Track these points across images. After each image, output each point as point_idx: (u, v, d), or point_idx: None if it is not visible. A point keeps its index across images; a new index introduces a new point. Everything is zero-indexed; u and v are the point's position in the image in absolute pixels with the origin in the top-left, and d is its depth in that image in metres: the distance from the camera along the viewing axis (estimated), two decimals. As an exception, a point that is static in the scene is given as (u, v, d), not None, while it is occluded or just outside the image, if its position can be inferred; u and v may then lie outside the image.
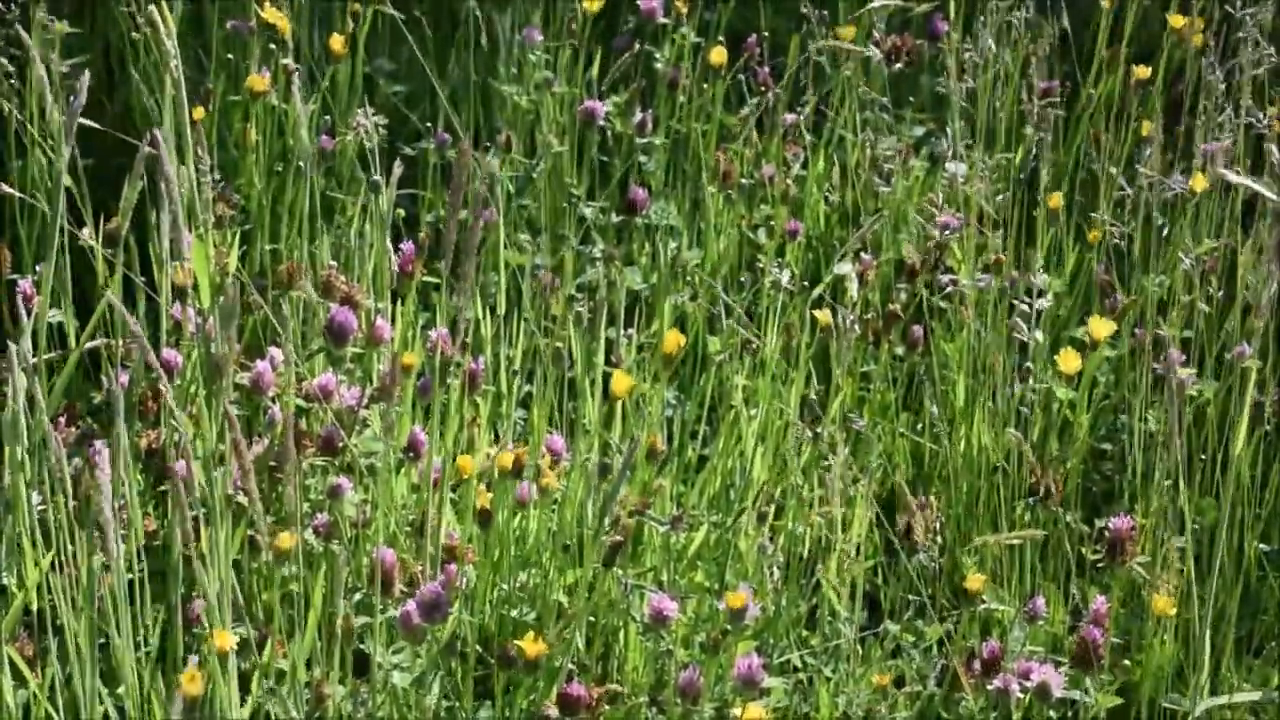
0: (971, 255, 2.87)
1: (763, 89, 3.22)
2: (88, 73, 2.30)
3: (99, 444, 2.36)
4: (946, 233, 2.86)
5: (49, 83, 2.61)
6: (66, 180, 2.36)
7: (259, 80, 2.95)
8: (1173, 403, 2.30)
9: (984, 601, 2.45)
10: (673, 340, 2.54)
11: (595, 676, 2.46)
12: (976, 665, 2.41)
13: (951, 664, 2.40)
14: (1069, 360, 2.61)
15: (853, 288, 2.61)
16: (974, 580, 2.43)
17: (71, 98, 2.30)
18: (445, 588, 2.22)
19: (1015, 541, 2.45)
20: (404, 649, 2.30)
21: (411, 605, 2.18)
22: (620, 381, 2.51)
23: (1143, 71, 3.04)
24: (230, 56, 3.13)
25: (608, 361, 2.69)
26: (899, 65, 3.23)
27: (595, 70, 3.28)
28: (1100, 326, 2.62)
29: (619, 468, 2.26)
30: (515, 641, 2.28)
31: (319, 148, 2.90)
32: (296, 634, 2.23)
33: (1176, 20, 3.06)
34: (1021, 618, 2.49)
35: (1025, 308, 2.70)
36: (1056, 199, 2.87)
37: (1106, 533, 2.45)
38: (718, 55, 3.21)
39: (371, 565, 2.26)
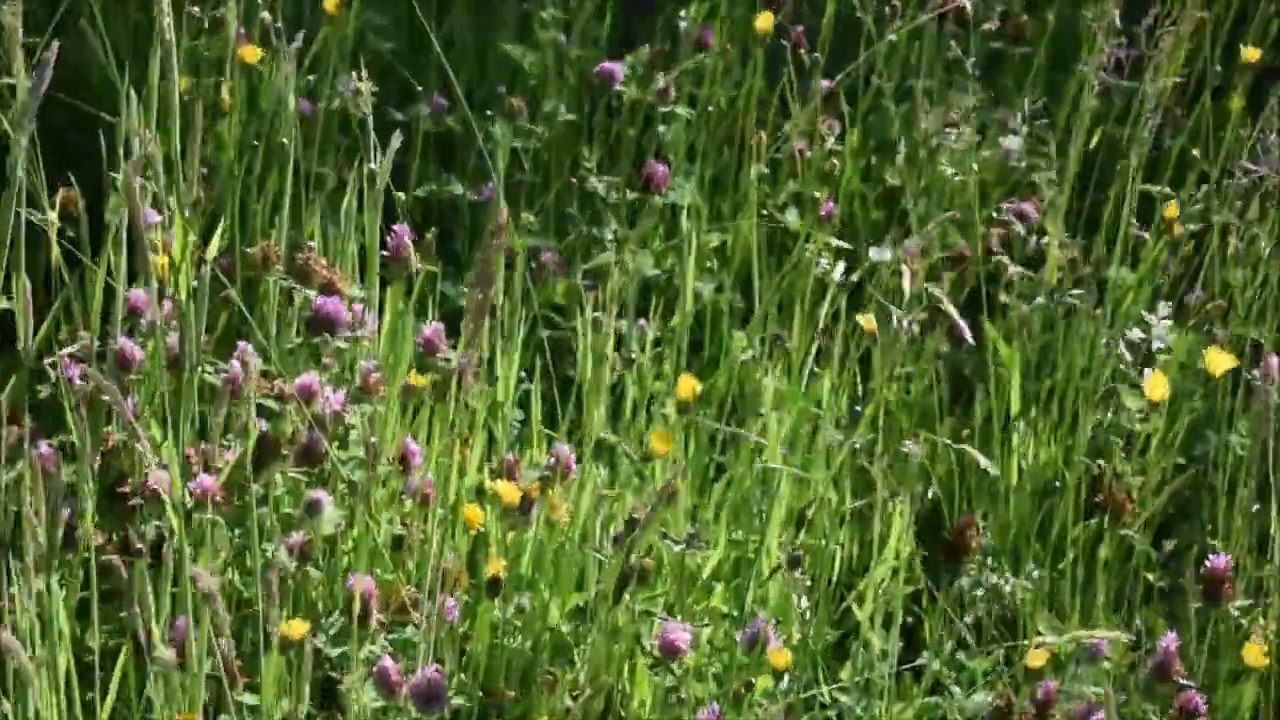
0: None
1: (796, 47, 2.96)
2: (57, 44, 2.06)
3: (44, 445, 2.24)
4: (1010, 218, 2.64)
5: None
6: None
7: (251, 51, 2.75)
8: (1264, 418, 2.07)
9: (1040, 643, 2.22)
10: None
11: (598, 713, 2.29)
12: (1029, 706, 2.23)
13: (1012, 703, 2.18)
14: (1156, 386, 2.36)
15: (906, 282, 2.35)
16: (1035, 656, 2.22)
17: (33, 72, 2.06)
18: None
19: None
20: None
21: (388, 663, 2.05)
22: None
23: (1253, 54, 2.80)
24: (196, 10, 2.87)
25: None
26: (951, 28, 3.00)
27: (607, 27, 3.04)
28: (1218, 360, 2.37)
29: (646, 514, 2.13)
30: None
31: (299, 114, 2.67)
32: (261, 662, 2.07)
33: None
34: (1083, 655, 2.28)
35: (1136, 337, 2.46)
36: (1173, 209, 2.64)
37: (1202, 568, 2.27)
38: None
39: (348, 595, 2.13)
